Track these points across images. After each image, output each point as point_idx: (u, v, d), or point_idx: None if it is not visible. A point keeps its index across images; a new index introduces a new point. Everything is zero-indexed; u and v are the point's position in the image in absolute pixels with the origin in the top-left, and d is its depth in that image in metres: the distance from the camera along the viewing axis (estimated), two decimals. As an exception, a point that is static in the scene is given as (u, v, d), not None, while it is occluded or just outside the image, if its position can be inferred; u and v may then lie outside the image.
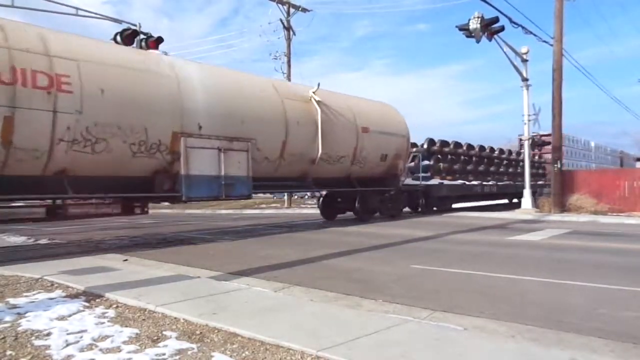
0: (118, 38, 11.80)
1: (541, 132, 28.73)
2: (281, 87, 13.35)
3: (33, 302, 5.06)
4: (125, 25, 12.10)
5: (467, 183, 22.58)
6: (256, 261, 7.86)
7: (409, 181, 19.56)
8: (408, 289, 5.87)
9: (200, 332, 4.06)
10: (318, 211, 17.89)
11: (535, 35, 19.88)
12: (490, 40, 17.15)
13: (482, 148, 25.89)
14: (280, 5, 27.73)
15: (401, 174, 17.03)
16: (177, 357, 3.55)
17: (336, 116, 14.28)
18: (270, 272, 6.93)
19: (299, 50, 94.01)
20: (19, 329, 4.16)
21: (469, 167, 24.10)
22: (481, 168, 25.05)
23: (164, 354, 3.58)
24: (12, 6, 11.06)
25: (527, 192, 20.94)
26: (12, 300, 5.11)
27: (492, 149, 27.12)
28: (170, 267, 7.32)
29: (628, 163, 45.70)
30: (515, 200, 29.28)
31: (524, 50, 20.62)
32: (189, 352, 3.62)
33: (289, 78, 28.31)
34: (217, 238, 11.68)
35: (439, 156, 22.01)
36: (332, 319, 4.42)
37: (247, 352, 3.60)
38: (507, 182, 27.31)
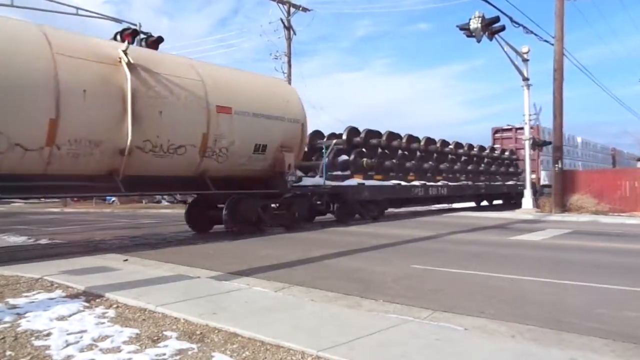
0: (118, 37, 11.79)
1: (517, 126, 26.60)
2: (59, 37, 8.83)
3: (33, 302, 5.06)
4: (125, 25, 12.08)
5: (402, 184, 17.79)
6: (256, 261, 7.86)
7: (320, 181, 15.06)
8: (408, 289, 5.87)
9: (201, 332, 4.06)
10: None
11: (536, 34, 19.92)
12: (490, 39, 17.15)
13: (429, 141, 20.76)
14: (280, 5, 27.73)
15: (290, 172, 12.77)
16: (178, 357, 3.54)
17: (168, 88, 9.95)
18: (270, 272, 6.93)
19: (299, 50, 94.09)
20: (19, 329, 4.16)
21: (409, 164, 19.06)
22: (427, 165, 19.99)
23: (164, 354, 3.58)
24: (12, 5, 11.06)
25: (527, 192, 20.97)
26: (11, 301, 5.10)
27: (444, 143, 21.81)
28: (170, 267, 7.32)
29: (622, 162, 42.59)
30: (484, 203, 25.58)
31: (524, 49, 20.65)
32: (189, 352, 3.61)
33: (289, 78, 28.30)
34: (217, 238, 11.68)
35: (364, 150, 17.26)
36: (332, 319, 4.41)
37: (247, 352, 3.59)
38: (464, 183, 22.12)
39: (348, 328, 4.06)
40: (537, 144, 21.62)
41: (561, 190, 19.47)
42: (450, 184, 20.59)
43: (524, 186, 24.18)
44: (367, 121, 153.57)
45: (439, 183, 19.94)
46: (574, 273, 6.81)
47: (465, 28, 16.32)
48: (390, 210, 18.72)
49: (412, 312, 4.76)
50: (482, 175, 24.12)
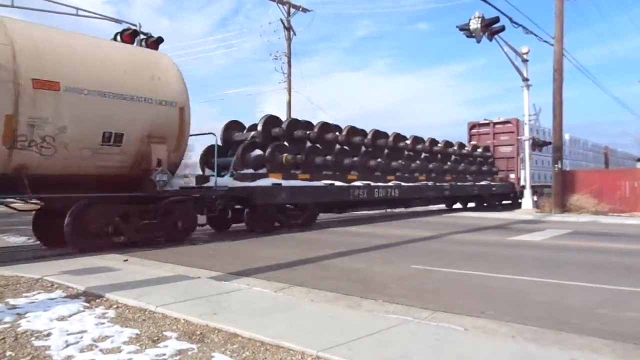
0: (118, 38, 11.79)
1: (495, 120, 24.51)
2: None
3: (33, 302, 5.06)
4: (125, 25, 12.07)
5: (338, 184, 14.65)
6: (256, 261, 7.86)
7: (227, 181, 12.44)
8: (408, 289, 5.87)
9: (201, 333, 4.06)
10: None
11: (535, 35, 19.97)
12: (490, 40, 17.17)
13: (378, 134, 17.47)
14: (280, 5, 27.75)
15: (159, 169, 9.89)
16: (178, 357, 3.55)
17: None
18: (270, 272, 6.93)
19: (300, 50, 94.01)
20: (19, 329, 4.16)
21: (348, 161, 15.67)
22: (373, 163, 16.69)
23: (164, 355, 3.58)
24: (12, 6, 11.04)
25: (527, 192, 20.99)
26: (12, 301, 5.10)
27: (398, 137, 18.48)
28: (171, 267, 7.32)
29: (617, 161, 40.24)
30: (458, 206, 23.25)
31: (524, 50, 20.68)
32: (190, 353, 3.62)
33: (289, 78, 28.33)
34: (217, 238, 11.68)
35: (286, 144, 14.09)
36: (332, 319, 4.42)
37: (247, 353, 3.59)
38: (423, 183, 18.82)
39: (348, 328, 4.06)
40: (537, 144, 21.61)
41: (561, 191, 19.50)
42: (403, 184, 17.43)
43: (497, 187, 22.85)
44: (367, 121, 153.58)
45: (390, 183, 16.86)
46: (574, 273, 6.82)
47: (465, 28, 16.34)
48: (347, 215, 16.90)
49: (412, 312, 4.75)
50: (449, 174, 21.10)
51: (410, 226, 14.54)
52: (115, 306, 4.93)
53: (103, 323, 4.34)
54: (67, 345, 3.77)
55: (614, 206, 19.03)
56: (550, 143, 21.52)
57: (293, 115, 25.70)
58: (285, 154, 13.52)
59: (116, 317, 4.57)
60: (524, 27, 19.00)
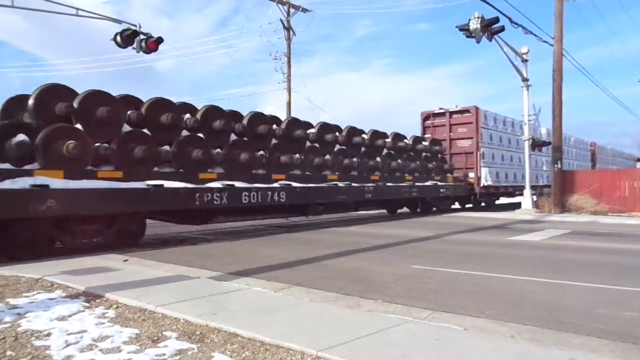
0: (118, 38, 11.80)
1: (451, 109, 21.94)
2: None
3: (33, 302, 5.07)
4: (125, 26, 12.09)
5: (170, 186, 10.45)
6: (256, 261, 7.86)
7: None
8: (408, 289, 5.87)
9: (201, 333, 4.07)
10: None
11: (535, 35, 19.98)
12: (490, 40, 17.15)
13: (258, 118, 13.33)
14: (280, 5, 27.76)
15: None
16: (177, 357, 3.55)
17: None
18: (270, 272, 6.94)
19: (300, 50, 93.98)
20: (19, 329, 4.16)
21: (198, 154, 11.25)
22: (246, 157, 12.44)
23: (164, 354, 3.59)
24: (12, 6, 11.05)
25: (527, 192, 20.99)
26: (12, 301, 5.11)
27: (295, 123, 14.58)
28: (170, 268, 7.32)
29: (606, 159, 38.75)
30: (390, 212, 19.63)
31: (524, 50, 20.68)
32: (189, 353, 3.62)
33: (289, 78, 28.33)
34: (217, 238, 11.69)
35: (79, 126, 9.59)
36: (332, 319, 4.42)
37: (247, 353, 3.60)
38: (330, 184, 14.59)
39: (348, 328, 4.07)
40: (536, 144, 21.60)
41: (560, 191, 19.53)
42: (296, 185, 13.39)
43: (449, 188, 20.03)
44: (367, 121, 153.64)
45: (275, 185, 12.95)
46: (573, 273, 6.82)
47: (464, 29, 16.32)
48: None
49: (411, 312, 4.76)
50: (378, 172, 17.07)
51: (409, 226, 14.55)
52: (115, 306, 4.94)
53: (103, 323, 4.35)
54: (67, 345, 3.77)
55: (613, 206, 19.05)
56: (549, 143, 21.52)
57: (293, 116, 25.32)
58: (69, 142, 9.11)
59: (116, 317, 4.57)
60: (523, 28, 19.02)
